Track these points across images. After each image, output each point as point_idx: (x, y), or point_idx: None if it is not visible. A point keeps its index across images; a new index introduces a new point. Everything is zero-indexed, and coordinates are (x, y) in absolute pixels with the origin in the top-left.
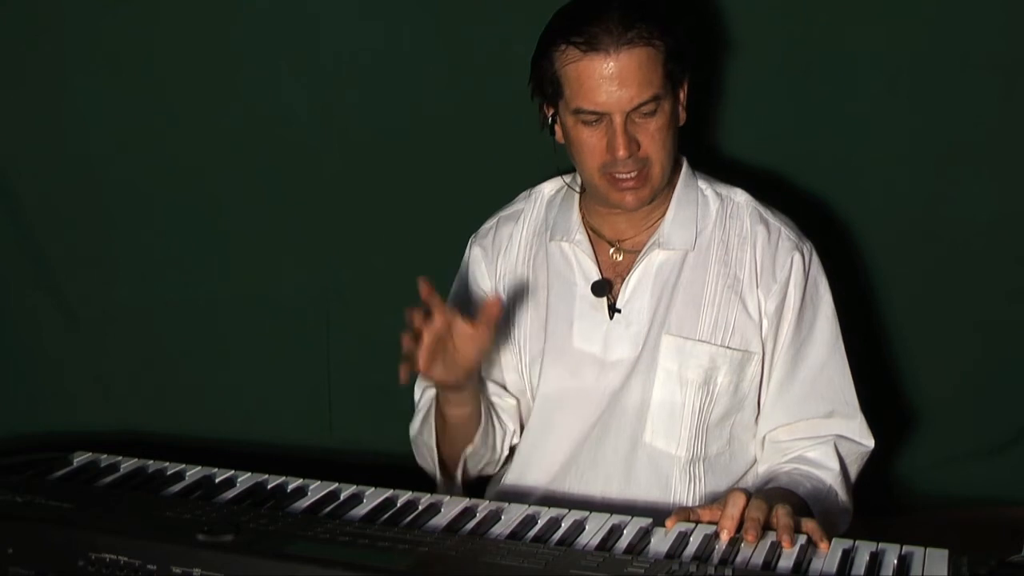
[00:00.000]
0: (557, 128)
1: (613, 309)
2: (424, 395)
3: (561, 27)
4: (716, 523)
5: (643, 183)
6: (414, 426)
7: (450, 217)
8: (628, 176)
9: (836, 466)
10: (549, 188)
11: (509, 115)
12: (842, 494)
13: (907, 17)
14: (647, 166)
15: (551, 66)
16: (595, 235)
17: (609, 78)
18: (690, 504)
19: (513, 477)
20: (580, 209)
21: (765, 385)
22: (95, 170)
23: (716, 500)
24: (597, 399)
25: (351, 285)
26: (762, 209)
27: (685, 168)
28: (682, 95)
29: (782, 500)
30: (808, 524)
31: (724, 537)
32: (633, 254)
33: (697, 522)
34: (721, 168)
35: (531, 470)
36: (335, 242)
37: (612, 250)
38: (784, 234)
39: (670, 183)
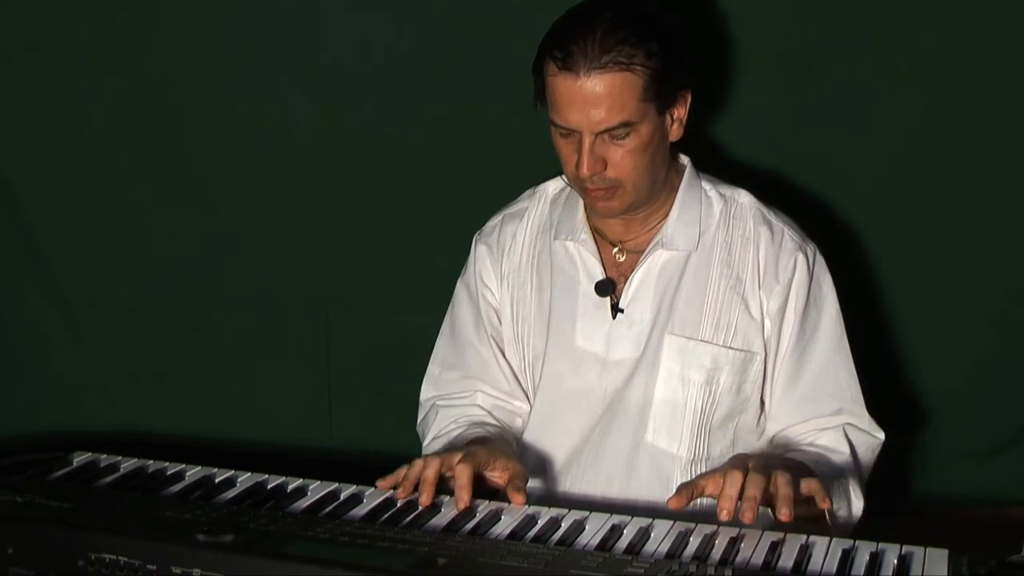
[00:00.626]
0: None
1: (616, 309)
2: (441, 433)
3: (552, 37)
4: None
5: (612, 196)
6: (429, 450)
7: (451, 217)
8: (595, 189)
9: (846, 449)
10: (553, 186)
11: (510, 115)
12: (851, 477)
13: (907, 17)
14: (615, 185)
15: (540, 73)
16: (599, 235)
17: (580, 99)
18: (690, 507)
19: None
20: (584, 208)
21: (770, 386)
22: (95, 170)
23: (717, 469)
24: (599, 398)
25: (351, 285)
26: (765, 210)
27: (689, 169)
28: (678, 112)
29: (782, 466)
30: (810, 484)
31: (723, 517)
32: (636, 254)
33: (701, 496)
34: (721, 167)
35: (533, 468)
36: (335, 242)
37: (615, 250)
38: (787, 235)
39: (671, 185)
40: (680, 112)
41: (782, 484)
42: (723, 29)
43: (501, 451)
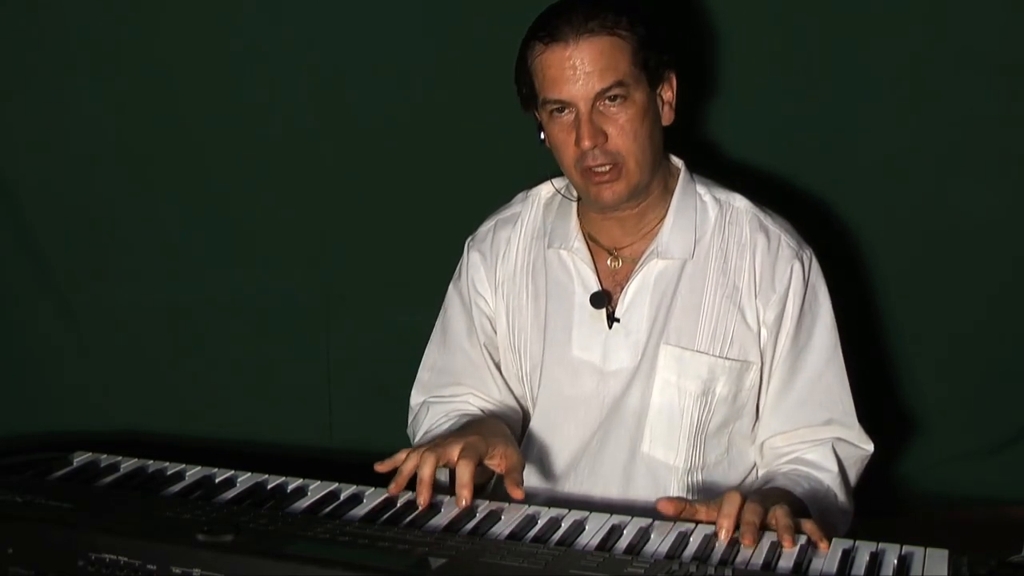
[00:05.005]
0: (544, 135)
1: (612, 318)
2: (433, 428)
3: (532, 29)
4: (713, 522)
5: (617, 176)
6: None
7: (450, 216)
8: (601, 169)
9: (834, 467)
10: (546, 191)
11: (509, 114)
12: (841, 495)
13: (908, 17)
14: (620, 160)
15: (525, 66)
16: (593, 243)
17: (571, 67)
18: None
19: None
20: (578, 216)
21: (764, 392)
22: (95, 170)
23: (713, 498)
24: (597, 407)
25: (351, 285)
26: (762, 216)
27: (683, 173)
28: (666, 93)
29: (779, 501)
30: (807, 524)
31: (723, 536)
32: (631, 263)
33: (695, 520)
34: (719, 168)
35: (531, 477)
36: (335, 242)
37: (610, 259)
38: (784, 241)
39: (666, 187)
40: (668, 94)
41: (781, 516)
42: (721, 28)
43: (499, 435)
